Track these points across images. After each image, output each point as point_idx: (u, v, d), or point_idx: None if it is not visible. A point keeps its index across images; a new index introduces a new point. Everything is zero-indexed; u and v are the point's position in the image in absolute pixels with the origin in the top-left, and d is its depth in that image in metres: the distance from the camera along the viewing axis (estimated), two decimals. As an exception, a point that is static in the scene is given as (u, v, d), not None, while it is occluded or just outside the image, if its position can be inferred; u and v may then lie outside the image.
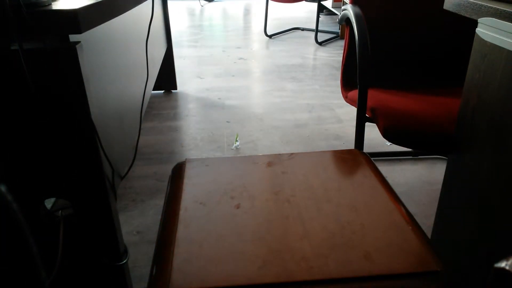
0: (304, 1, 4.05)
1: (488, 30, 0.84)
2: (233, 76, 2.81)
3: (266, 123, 2.09)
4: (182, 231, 0.69)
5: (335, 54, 3.37)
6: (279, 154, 0.95)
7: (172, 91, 2.52)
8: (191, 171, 0.88)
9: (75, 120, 0.72)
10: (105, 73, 0.91)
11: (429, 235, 0.92)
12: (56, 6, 0.65)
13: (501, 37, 0.80)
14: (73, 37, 0.69)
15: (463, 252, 0.98)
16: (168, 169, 1.68)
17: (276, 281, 0.59)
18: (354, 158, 0.93)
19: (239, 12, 5.19)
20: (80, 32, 0.65)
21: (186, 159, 0.92)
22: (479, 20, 0.87)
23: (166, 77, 2.47)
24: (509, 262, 0.40)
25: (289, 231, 0.69)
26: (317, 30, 3.71)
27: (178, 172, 0.88)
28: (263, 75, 2.83)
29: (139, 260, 1.19)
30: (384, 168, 1.67)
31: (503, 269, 0.40)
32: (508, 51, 0.78)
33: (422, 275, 0.60)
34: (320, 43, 3.69)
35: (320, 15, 3.87)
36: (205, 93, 2.49)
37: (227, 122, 2.10)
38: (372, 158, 0.92)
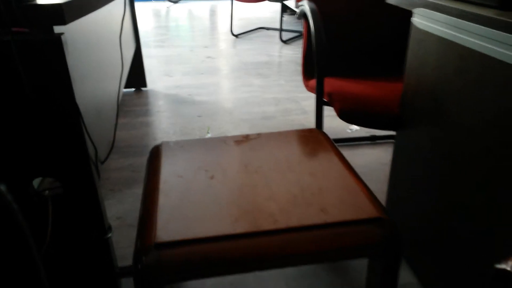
0: (267, 1, 4.18)
1: (422, 19, 0.98)
2: (202, 74, 2.89)
3: (236, 116, 2.20)
4: (164, 199, 0.78)
5: (299, 51, 3.51)
6: (247, 134, 1.05)
7: (142, 89, 2.58)
8: (167, 151, 0.96)
9: (61, 103, 0.80)
10: (81, 68, 0.98)
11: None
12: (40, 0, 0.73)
13: (432, 25, 0.94)
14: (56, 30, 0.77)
15: (412, 211, 1.12)
16: (143, 161, 1.75)
17: (247, 231, 0.69)
18: (314, 136, 1.04)
19: (205, 13, 5.26)
20: (65, 23, 0.73)
21: (162, 141, 1.01)
22: (414, 10, 1.00)
23: (136, 75, 2.52)
24: (509, 263, 0.40)
25: (258, 195, 0.79)
26: (281, 29, 3.85)
27: (155, 152, 0.97)
28: (231, 72, 2.93)
29: (121, 241, 1.26)
30: (345, 152, 1.80)
31: (504, 270, 0.40)
32: (438, 36, 0.92)
33: (369, 221, 0.72)
34: (285, 41, 3.82)
35: (283, 15, 4.01)
36: (175, 90, 2.56)
37: (198, 116, 2.19)
38: (336, 144, 1.04)
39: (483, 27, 0.77)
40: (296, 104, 2.36)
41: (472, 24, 0.81)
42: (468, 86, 0.84)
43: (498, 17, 0.73)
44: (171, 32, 4.15)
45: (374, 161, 1.74)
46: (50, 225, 0.89)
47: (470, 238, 0.87)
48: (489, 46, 0.76)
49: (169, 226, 0.70)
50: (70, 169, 0.86)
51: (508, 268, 0.40)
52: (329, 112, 2.22)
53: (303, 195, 0.79)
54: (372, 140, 1.91)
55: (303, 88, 2.61)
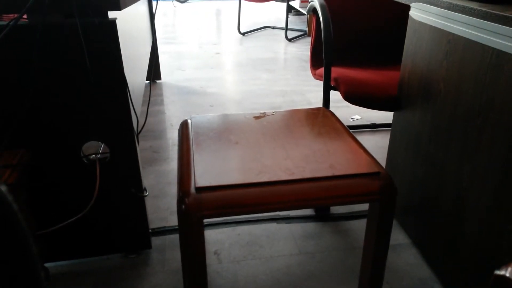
0: (273, 1, 4.33)
1: (417, 12, 1.13)
2: (212, 68, 3.05)
3: (245, 105, 2.35)
4: (198, 156, 0.93)
5: (303, 49, 3.67)
6: (264, 111, 1.20)
7: (157, 81, 2.73)
8: (196, 123, 1.12)
9: (113, 76, 0.95)
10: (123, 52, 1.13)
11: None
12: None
13: (426, 16, 1.09)
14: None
15: (405, 181, 1.27)
16: (162, 143, 1.90)
17: (268, 180, 0.84)
18: (322, 113, 1.19)
19: (211, 12, 5.43)
20: (119, 9, 0.88)
21: (190, 116, 1.16)
22: (412, 4, 1.16)
23: (151, 68, 2.68)
24: (509, 270, 0.40)
25: (276, 155, 0.94)
26: (286, 28, 4.01)
27: (185, 124, 1.12)
28: (240, 67, 3.08)
29: (148, 210, 1.41)
30: (348, 139, 1.95)
31: (503, 276, 0.40)
32: (430, 26, 1.07)
33: (369, 174, 0.87)
34: (290, 40, 3.98)
35: (288, 15, 4.17)
36: (187, 83, 2.72)
37: (210, 106, 2.34)
38: (335, 112, 1.19)
39: (467, 16, 0.93)
40: (301, 96, 2.51)
41: (458, 14, 0.96)
42: (453, 66, 0.99)
43: (479, 8, 0.89)
44: (180, 30, 4.31)
45: (374, 145, 1.89)
46: (97, 183, 1.04)
47: (450, 202, 1.02)
48: (471, 32, 0.91)
49: (205, 176, 0.85)
50: (117, 135, 1.02)
51: (507, 275, 0.40)
52: (332, 103, 2.37)
53: (314, 155, 0.94)
54: (372, 127, 2.06)
55: (308, 82, 2.76)
